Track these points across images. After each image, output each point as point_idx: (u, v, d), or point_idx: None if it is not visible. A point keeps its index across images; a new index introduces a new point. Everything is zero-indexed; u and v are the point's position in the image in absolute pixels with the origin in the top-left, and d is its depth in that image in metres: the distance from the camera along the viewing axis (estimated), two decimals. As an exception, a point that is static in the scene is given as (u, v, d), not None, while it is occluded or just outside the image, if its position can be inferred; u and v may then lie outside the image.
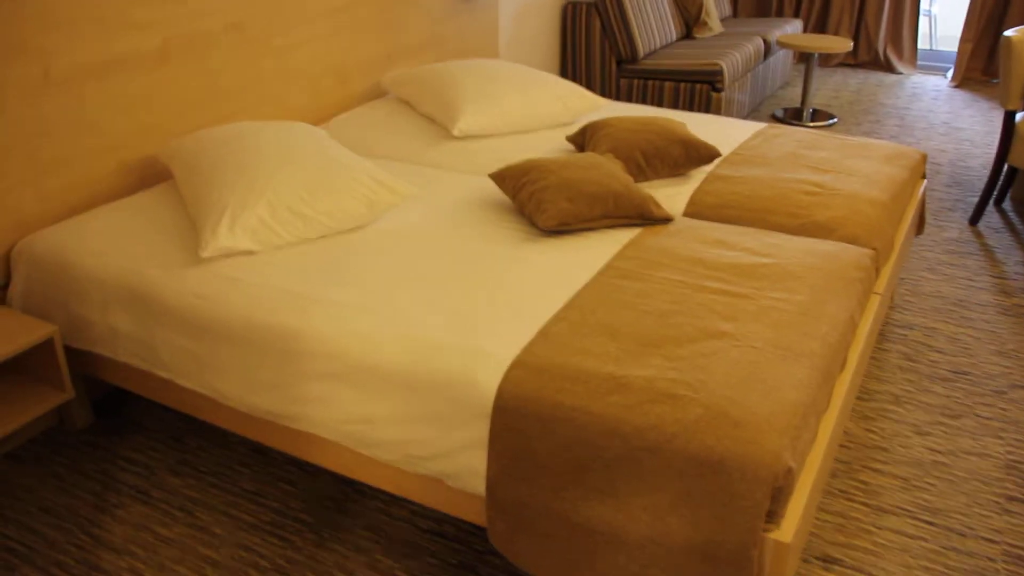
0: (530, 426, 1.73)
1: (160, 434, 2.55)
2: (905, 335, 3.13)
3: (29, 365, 2.29)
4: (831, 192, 2.65)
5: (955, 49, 6.78)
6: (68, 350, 2.40)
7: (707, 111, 4.89)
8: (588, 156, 2.54)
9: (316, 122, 3.35)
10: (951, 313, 3.29)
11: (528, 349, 1.82)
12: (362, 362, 1.89)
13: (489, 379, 1.78)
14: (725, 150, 3.05)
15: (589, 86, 5.14)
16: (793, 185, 2.69)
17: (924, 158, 3.18)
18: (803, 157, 2.94)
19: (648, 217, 2.41)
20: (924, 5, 7.48)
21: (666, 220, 2.44)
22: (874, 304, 2.36)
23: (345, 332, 1.93)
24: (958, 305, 3.35)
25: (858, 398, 2.77)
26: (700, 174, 2.83)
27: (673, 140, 2.75)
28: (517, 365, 1.79)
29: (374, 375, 1.88)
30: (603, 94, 5.13)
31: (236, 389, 2.07)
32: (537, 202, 2.35)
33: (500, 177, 2.52)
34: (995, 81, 6.63)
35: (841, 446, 2.54)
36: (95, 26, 2.45)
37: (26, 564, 2.08)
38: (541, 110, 3.22)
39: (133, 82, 2.60)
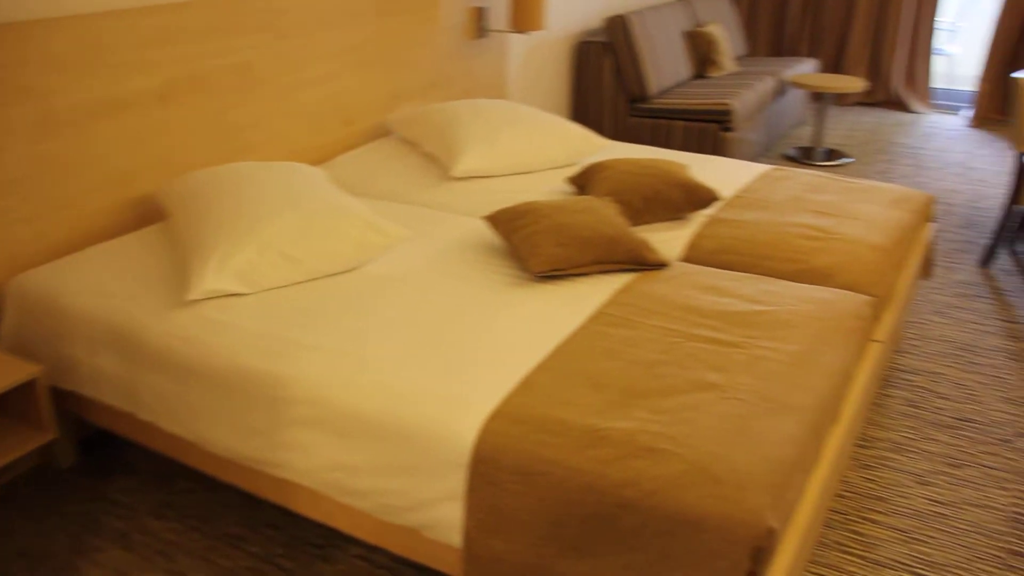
0: (508, 479, 1.69)
1: (147, 474, 2.53)
2: (910, 380, 3.06)
3: (13, 404, 2.28)
4: (832, 237, 2.61)
5: (973, 89, 6.73)
6: (56, 389, 2.39)
7: (718, 151, 4.87)
8: (583, 200, 2.51)
9: (320, 161, 3.36)
10: (958, 358, 3.22)
11: (509, 399, 1.79)
12: (343, 409, 1.86)
13: (468, 430, 1.75)
14: (728, 193, 3.02)
15: (598, 124, 5.13)
16: (793, 230, 2.65)
17: (931, 201, 3.13)
18: (807, 201, 2.90)
19: (642, 263, 2.38)
20: (942, 45, 7.45)
21: (660, 265, 2.41)
22: (873, 352, 2.31)
23: (328, 378, 1.91)
24: (965, 350, 3.28)
25: (858, 445, 2.70)
26: (700, 218, 2.80)
27: (673, 184, 2.72)
28: (497, 416, 1.75)
29: (355, 422, 1.85)
30: (613, 133, 5.12)
31: (219, 434, 2.05)
32: (529, 246, 2.32)
33: (494, 220, 2.50)
34: (1011, 120, 6.57)
35: (838, 496, 2.48)
36: (99, 67, 2.46)
37: (3, 608, 2.06)
38: (543, 152, 3.21)
39: (136, 121, 2.61)
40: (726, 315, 2.13)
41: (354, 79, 3.40)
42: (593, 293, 2.26)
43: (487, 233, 2.66)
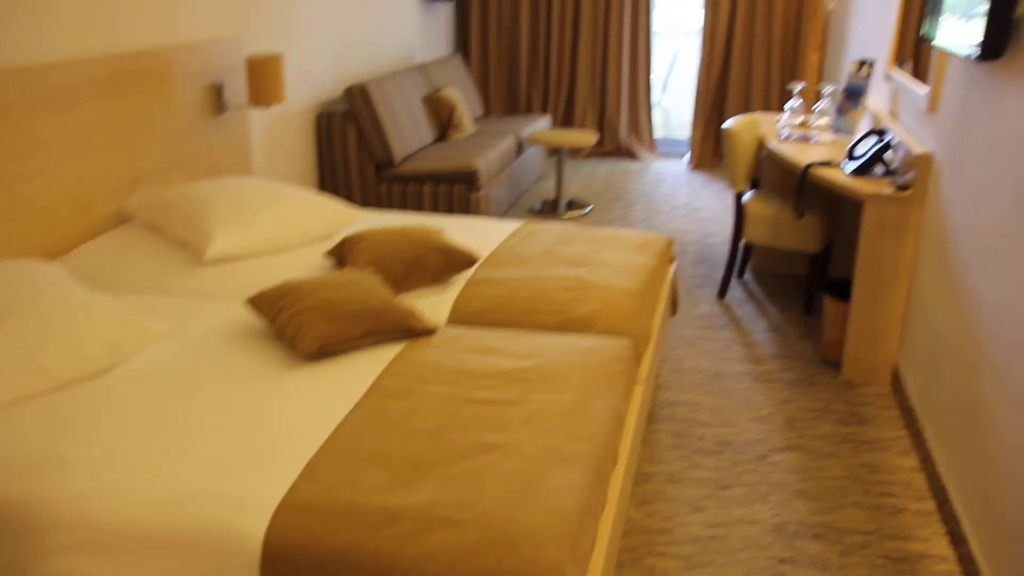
0: (304, 573, 1.62)
1: None
2: (673, 413, 3.26)
3: None
4: (587, 286, 2.74)
5: (689, 135, 7.36)
6: None
7: (467, 211, 5.00)
8: (346, 273, 2.49)
9: (56, 256, 3.10)
10: (711, 386, 3.48)
11: (294, 490, 1.72)
12: (111, 526, 1.71)
13: (254, 528, 1.66)
14: (484, 252, 3.10)
15: (348, 194, 5.12)
16: (551, 282, 2.76)
17: (670, 243, 3.37)
18: (559, 253, 3.04)
19: (411, 331, 2.39)
20: (658, 97, 8.11)
21: (430, 332, 2.42)
22: (639, 393, 2.44)
23: (89, 494, 1.75)
24: (716, 377, 3.55)
25: (636, 483, 2.83)
26: (461, 280, 2.85)
27: (431, 249, 2.76)
28: (283, 509, 1.68)
29: (127, 539, 1.71)
30: (363, 201, 5.13)
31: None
32: (296, 327, 2.26)
33: (256, 303, 2.41)
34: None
35: (625, 535, 2.58)
36: None
37: None
38: (297, 227, 3.16)
39: None
40: (500, 374, 2.18)
41: (86, 165, 3.19)
42: (366, 367, 2.23)
43: (250, 317, 2.56)
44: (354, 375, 2.19)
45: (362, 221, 3.47)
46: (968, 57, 2.53)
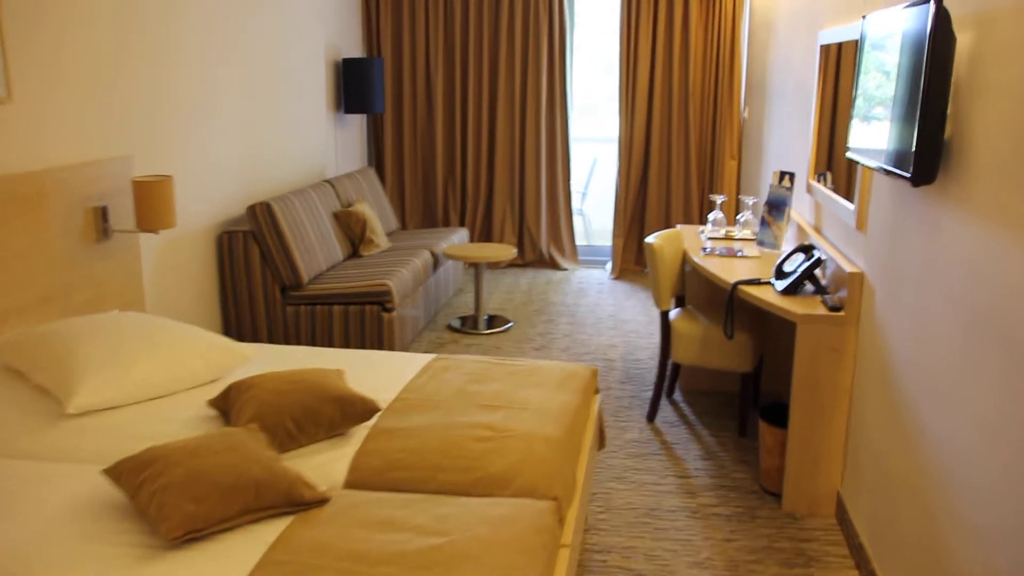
0: None
1: None
2: (604, 561, 2.95)
3: None
4: (504, 434, 2.45)
5: (609, 243, 7.24)
6: None
7: (380, 332, 4.70)
8: (225, 436, 2.15)
9: None
10: (645, 526, 3.18)
11: None
12: None
13: None
14: (391, 393, 2.79)
15: (253, 319, 4.77)
16: (464, 431, 2.46)
17: (595, 373, 3.12)
18: (474, 394, 2.75)
19: (299, 503, 2.05)
20: (578, 206, 8.02)
21: (321, 502, 2.09)
22: (564, 559, 2.13)
23: None
24: (650, 515, 3.26)
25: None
26: (363, 430, 2.53)
27: (326, 399, 2.45)
28: None
29: None
30: (269, 326, 4.78)
31: None
32: (159, 506, 1.91)
33: (116, 473, 2.06)
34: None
35: None
36: None
37: None
38: (179, 371, 2.81)
39: None
40: (402, 556, 1.85)
41: (-65, 308, 2.81)
42: (242, 553, 1.88)
43: (111, 487, 2.19)
44: (227, 565, 1.83)
45: (255, 361, 3.13)
46: (896, 177, 2.37)
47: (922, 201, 2.45)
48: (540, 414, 2.60)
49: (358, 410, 2.47)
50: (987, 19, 2.04)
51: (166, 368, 2.78)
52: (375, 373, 2.99)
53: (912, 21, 2.28)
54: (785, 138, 4.83)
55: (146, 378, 2.73)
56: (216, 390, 2.83)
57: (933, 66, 2.15)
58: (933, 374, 2.33)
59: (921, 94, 2.18)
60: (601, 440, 3.20)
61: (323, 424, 2.42)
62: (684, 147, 6.82)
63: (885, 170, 2.45)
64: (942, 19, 2.14)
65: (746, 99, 6.59)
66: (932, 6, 2.13)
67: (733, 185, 6.74)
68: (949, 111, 2.25)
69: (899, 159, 2.35)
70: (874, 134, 2.63)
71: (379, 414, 2.58)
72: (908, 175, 2.26)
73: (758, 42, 6.07)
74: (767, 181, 5.35)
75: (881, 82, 2.56)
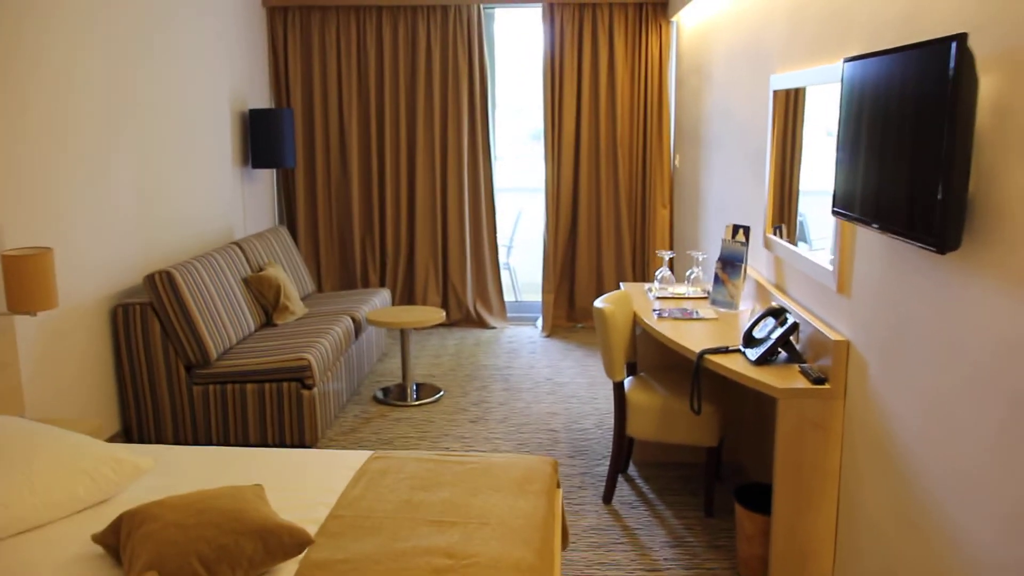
0: None
1: None
2: None
3: None
4: (466, 562, 2.02)
5: (539, 299, 6.88)
6: None
7: (300, 411, 4.21)
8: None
9: None
10: (618, 639, 2.77)
11: None
12: None
13: None
14: (321, 511, 2.33)
15: (156, 402, 4.22)
16: (416, 559, 2.02)
17: (555, 466, 2.72)
18: (421, 506, 2.31)
19: None
20: (505, 260, 7.65)
21: None
22: None
23: None
24: (622, 624, 2.85)
25: None
26: (292, 565, 2.06)
27: (244, 532, 1.98)
28: None
29: None
30: (174, 410, 4.23)
31: None
32: None
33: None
34: (580, 326, 6.78)
35: None
36: None
37: None
38: (57, 493, 2.29)
39: None
40: None
41: None
42: None
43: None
44: None
45: (154, 473, 2.62)
46: (909, 242, 2.06)
47: (936, 268, 2.13)
48: (504, 530, 2.17)
49: (285, 543, 2.00)
50: (1016, 61, 1.75)
51: (41, 489, 2.26)
52: (300, 480, 2.53)
53: (921, 64, 1.98)
54: (729, 188, 4.55)
55: (16, 502, 2.20)
56: (104, 517, 2.32)
57: (958, 115, 1.85)
58: (955, 461, 2.00)
59: (944, 148, 1.87)
60: (564, 538, 2.80)
61: (241, 565, 1.95)
62: (614, 195, 6.54)
63: (897, 233, 2.13)
64: (966, 63, 1.84)
65: (675, 147, 6.35)
66: (954, 48, 1.83)
67: (666, 233, 6.47)
68: (971, 166, 1.95)
69: (911, 222, 2.04)
70: (868, 190, 2.32)
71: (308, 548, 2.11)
72: (931, 242, 1.94)
73: (689, 88, 5.84)
74: (709, 234, 5.07)
75: (878, 133, 2.26)
